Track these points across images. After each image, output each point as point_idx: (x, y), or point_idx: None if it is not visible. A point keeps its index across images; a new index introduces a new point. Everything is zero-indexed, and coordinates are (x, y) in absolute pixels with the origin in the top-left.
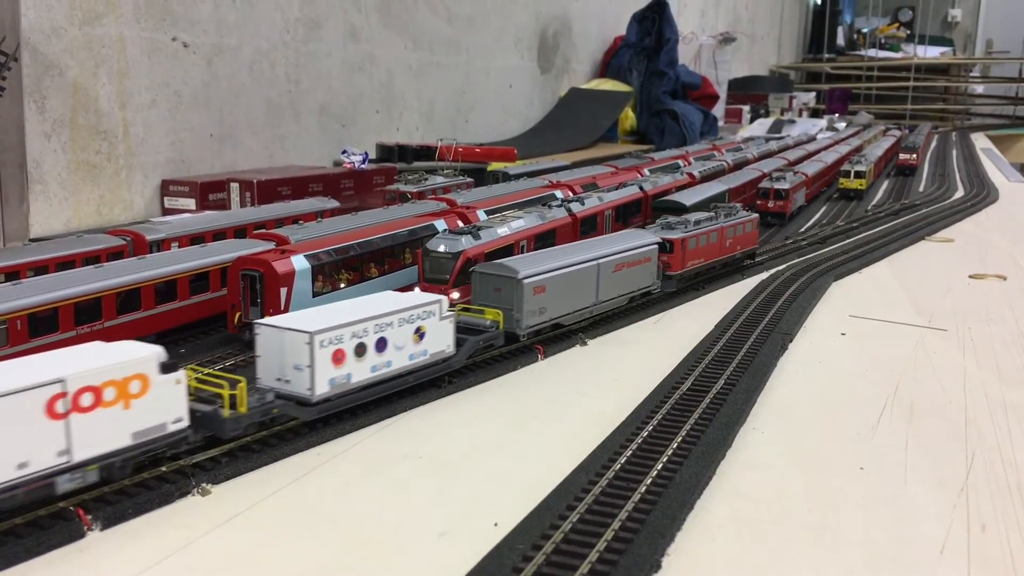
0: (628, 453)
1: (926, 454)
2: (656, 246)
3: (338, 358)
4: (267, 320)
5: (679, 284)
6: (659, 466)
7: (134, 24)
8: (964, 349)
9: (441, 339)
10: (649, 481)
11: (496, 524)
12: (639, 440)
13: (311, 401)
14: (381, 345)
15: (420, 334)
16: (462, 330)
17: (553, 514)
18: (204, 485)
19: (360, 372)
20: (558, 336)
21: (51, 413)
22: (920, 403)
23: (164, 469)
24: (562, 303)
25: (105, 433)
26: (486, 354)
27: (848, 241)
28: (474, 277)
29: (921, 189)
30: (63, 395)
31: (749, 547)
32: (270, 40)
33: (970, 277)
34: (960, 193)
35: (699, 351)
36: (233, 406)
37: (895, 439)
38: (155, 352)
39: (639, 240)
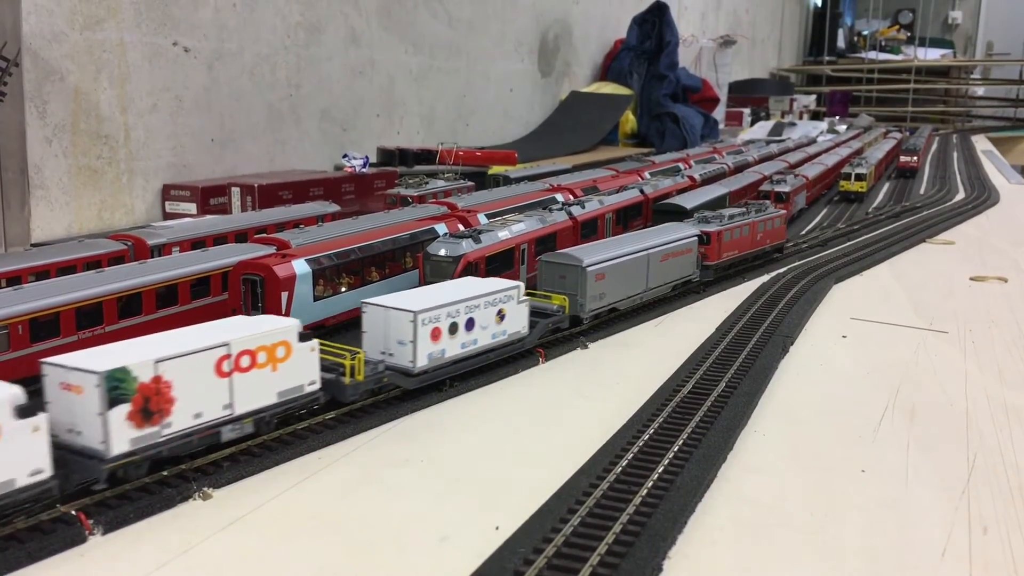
0: (629, 456)
1: (927, 457)
2: (696, 238)
3: (435, 335)
4: (374, 300)
5: (715, 274)
6: (660, 469)
7: (135, 29)
8: (965, 351)
9: (518, 321)
10: (650, 484)
11: (497, 528)
12: (640, 443)
13: (413, 372)
14: (470, 324)
15: (501, 316)
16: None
17: (554, 517)
18: (205, 489)
19: (452, 348)
20: (559, 339)
21: (219, 372)
22: (921, 406)
23: (165, 473)
24: (619, 289)
25: (258, 391)
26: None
27: (849, 244)
28: (540, 265)
29: (922, 191)
30: (228, 356)
31: (750, 550)
32: (271, 45)
33: (971, 279)
34: (961, 195)
35: (700, 354)
36: (352, 375)
37: (896, 442)
38: (296, 323)
39: (681, 233)
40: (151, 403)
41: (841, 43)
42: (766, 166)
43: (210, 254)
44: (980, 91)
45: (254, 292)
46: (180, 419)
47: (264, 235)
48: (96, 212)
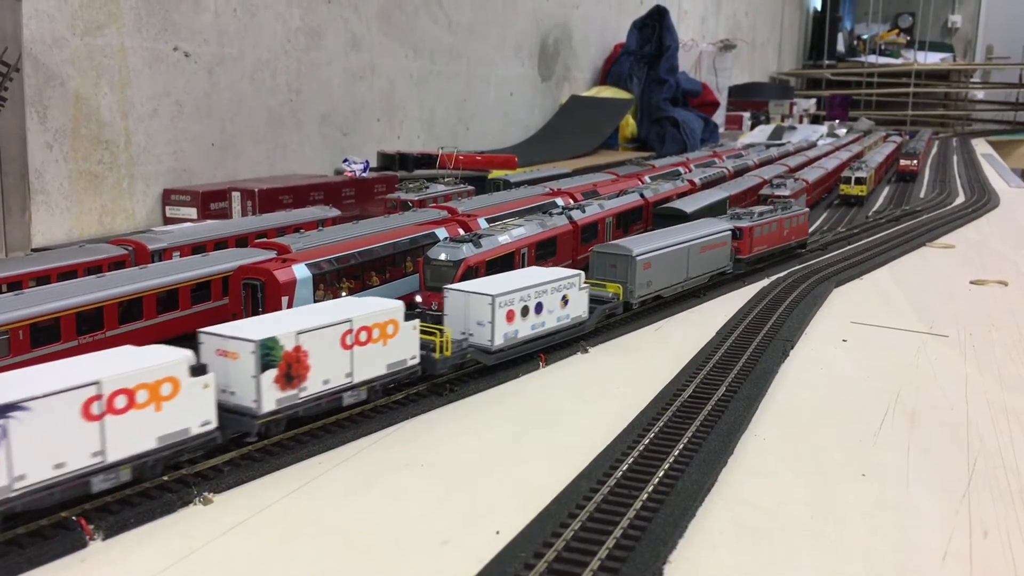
0: (630, 460)
1: (928, 460)
2: (729, 233)
3: (510, 317)
4: (455, 286)
5: (747, 266)
6: (661, 473)
7: (135, 34)
8: (965, 355)
9: (579, 306)
10: (651, 488)
11: (498, 532)
12: (641, 447)
13: (491, 350)
14: (539, 308)
15: (565, 301)
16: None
17: (555, 521)
18: (206, 494)
19: (524, 329)
20: (559, 344)
21: (344, 345)
22: (922, 409)
23: (166, 478)
24: (663, 278)
25: (372, 362)
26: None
27: (849, 247)
28: (592, 255)
29: (922, 195)
30: (350, 331)
31: (751, 554)
32: (271, 49)
33: (971, 283)
34: (961, 199)
35: (700, 358)
36: (441, 351)
37: (897, 445)
38: (398, 305)
39: (716, 227)
40: (292, 369)
41: (841, 47)
42: (766, 170)
43: (211, 259)
44: (980, 95)
45: (254, 296)
46: (313, 384)
47: (264, 239)
48: (97, 217)
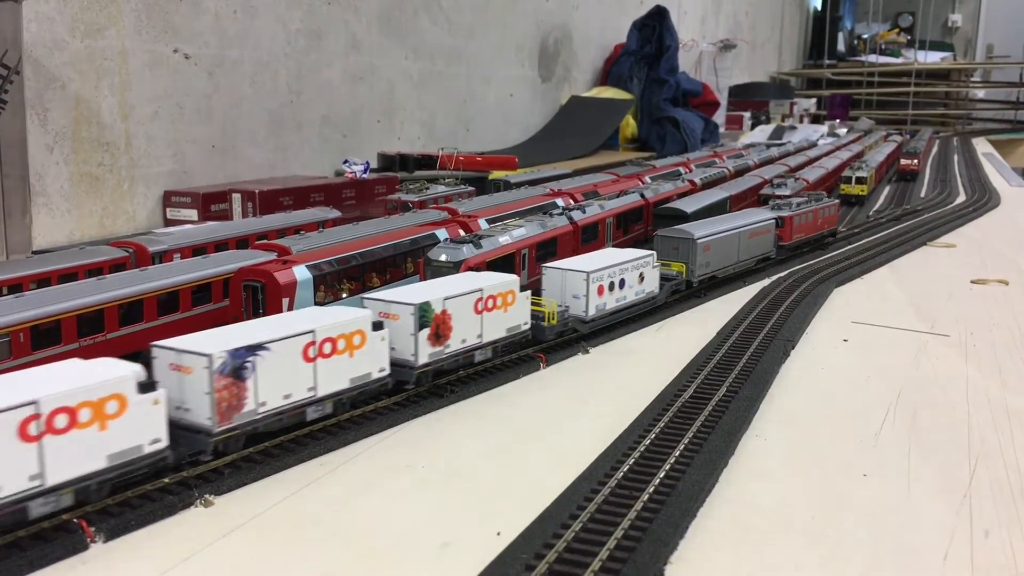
0: (630, 461)
1: (929, 460)
2: (774, 221)
3: (600, 291)
4: (551, 264)
5: (788, 252)
6: (661, 474)
7: (135, 37)
8: (967, 355)
9: (653, 282)
10: (652, 489)
11: (499, 533)
12: (641, 448)
13: (586, 320)
14: (622, 284)
15: (641, 277)
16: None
17: (556, 523)
18: (207, 496)
19: (610, 302)
20: (560, 344)
21: (476, 310)
22: (923, 409)
23: (167, 481)
24: (719, 260)
25: (495, 327)
26: (488, 361)
27: (849, 247)
28: (656, 239)
29: (922, 194)
30: (481, 299)
31: (752, 555)
32: (271, 51)
33: (972, 282)
34: (962, 198)
35: (701, 358)
36: (549, 320)
37: (898, 445)
38: (516, 279)
39: (761, 216)
40: (440, 328)
41: (841, 47)
42: (767, 170)
43: (211, 261)
44: (980, 94)
45: (255, 298)
46: (454, 343)
47: (265, 241)
48: (97, 219)
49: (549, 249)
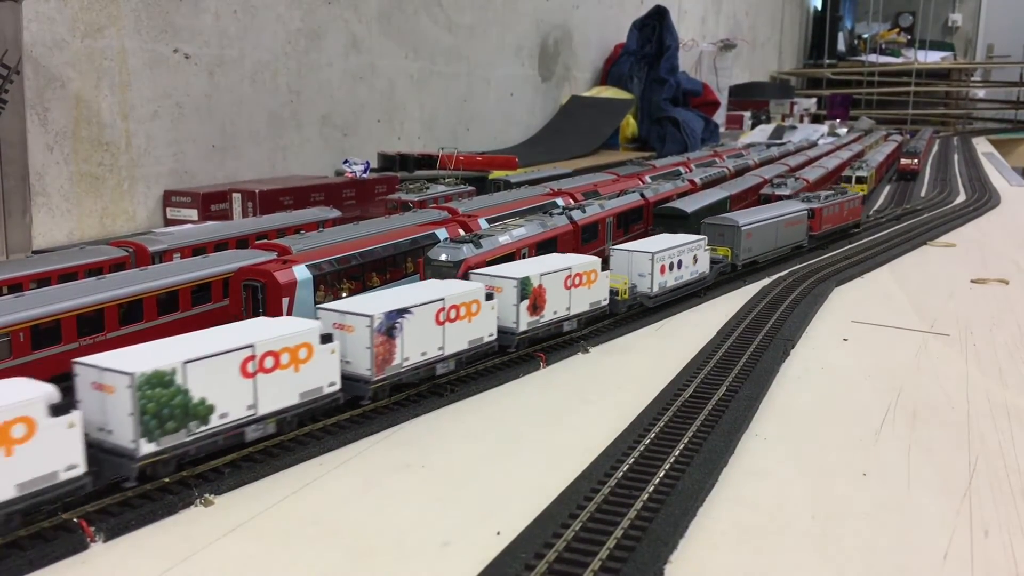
0: (631, 461)
1: (929, 460)
2: (806, 212)
3: (662, 270)
4: (619, 246)
5: (817, 242)
6: (661, 473)
7: (135, 36)
8: (967, 354)
9: (704, 263)
10: (652, 488)
11: (499, 533)
12: (641, 447)
13: (650, 296)
14: (680, 264)
15: (695, 259)
16: None
17: (556, 522)
18: (207, 496)
19: (670, 280)
20: (560, 344)
21: (566, 286)
22: (923, 408)
23: (167, 480)
24: (759, 246)
25: (581, 301)
26: (488, 362)
27: (849, 246)
28: (703, 226)
29: (923, 194)
30: (571, 275)
31: (752, 554)
32: (271, 51)
33: (972, 282)
34: (962, 198)
35: (701, 358)
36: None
37: (898, 445)
38: (596, 260)
39: (796, 207)
40: (538, 301)
41: (841, 46)
42: (767, 169)
43: (211, 260)
44: (981, 93)
45: (255, 298)
46: (548, 314)
47: (265, 241)
48: (98, 219)
49: (549, 249)
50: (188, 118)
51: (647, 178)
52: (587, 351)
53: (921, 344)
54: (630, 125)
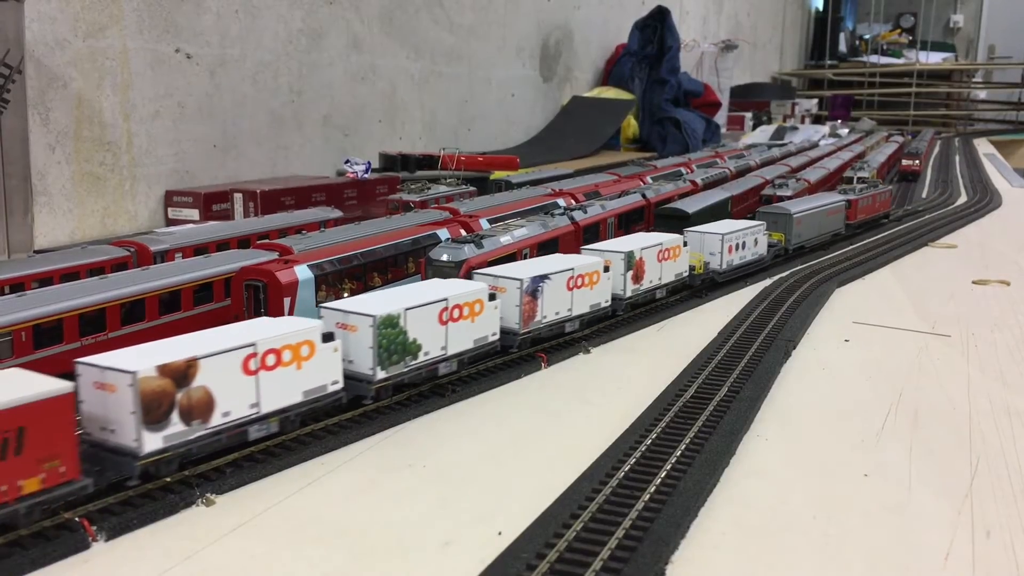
0: (632, 461)
1: (930, 461)
2: (845, 203)
3: (730, 250)
4: (694, 228)
5: (854, 230)
6: (663, 474)
7: (137, 36)
8: (968, 355)
9: (763, 246)
10: (653, 489)
11: (500, 533)
12: (643, 448)
13: (720, 272)
14: (743, 246)
15: (756, 242)
16: None
17: (557, 522)
18: (208, 495)
19: (736, 259)
20: (561, 344)
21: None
22: (924, 409)
23: (169, 480)
24: (807, 232)
25: (668, 274)
26: (488, 362)
27: (851, 247)
28: (758, 214)
29: (924, 195)
30: (662, 250)
31: (753, 554)
32: (273, 51)
33: (973, 283)
34: (963, 199)
35: (702, 358)
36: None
37: (899, 446)
38: (680, 238)
39: (835, 199)
40: (638, 271)
41: (843, 47)
42: (768, 170)
43: (213, 260)
44: (982, 94)
45: (257, 298)
46: (645, 284)
47: (267, 241)
48: (99, 219)
49: (550, 249)
50: (190, 118)
51: (648, 179)
52: (588, 351)
53: (922, 345)
54: (631, 126)
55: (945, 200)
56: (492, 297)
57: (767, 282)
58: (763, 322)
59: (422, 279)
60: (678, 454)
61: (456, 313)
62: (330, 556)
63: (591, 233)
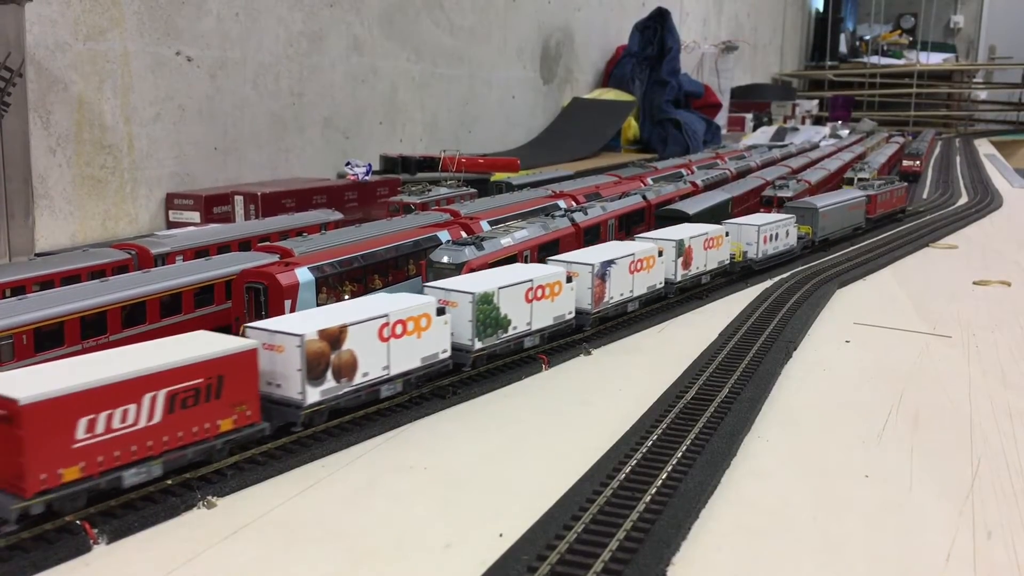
0: (633, 462)
1: (931, 461)
2: (865, 198)
3: (765, 239)
4: (732, 220)
5: (874, 224)
6: (664, 475)
7: (138, 39)
8: (969, 356)
9: (793, 238)
10: (654, 491)
11: (501, 535)
12: (644, 449)
13: (757, 260)
14: (776, 236)
15: (787, 233)
16: None
17: (558, 524)
18: (209, 498)
19: (770, 249)
20: (562, 346)
21: (705, 248)
22: (925, 410)
23: (169, 482)
24: (832, 225)
25: (711, 261)
26: (489, 364)
27: (851, 248)
28: (785, 209)
29: (925, 196)
30: (713, 238)
31: (754, 556)
32: (273, 53)
33: (974, 283)
34: (964, 199)
35: (703, 360)
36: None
37: (900, 446)
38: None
39: (856, 194)
40: (687, 258)
41: (843, 48)
42: (769, 171)
43: (213, 263)
44: (983, 95)
45: (257, 300)
46: (693, 269)
47: (267, 243)
48: (100, 221)
49: (551, 251)
50: (190, 121)
51: (649, 180)
52: (589, 353)
53: (923, 346)
54: (632, 127)
55: (946, 201)
56: (569, 280)
57: (767, 283)
58: (764, 323)
59: (422, 281)
60: (679, 455)
61: (540, 292)
62: (331, 558)
63: (592, 235)
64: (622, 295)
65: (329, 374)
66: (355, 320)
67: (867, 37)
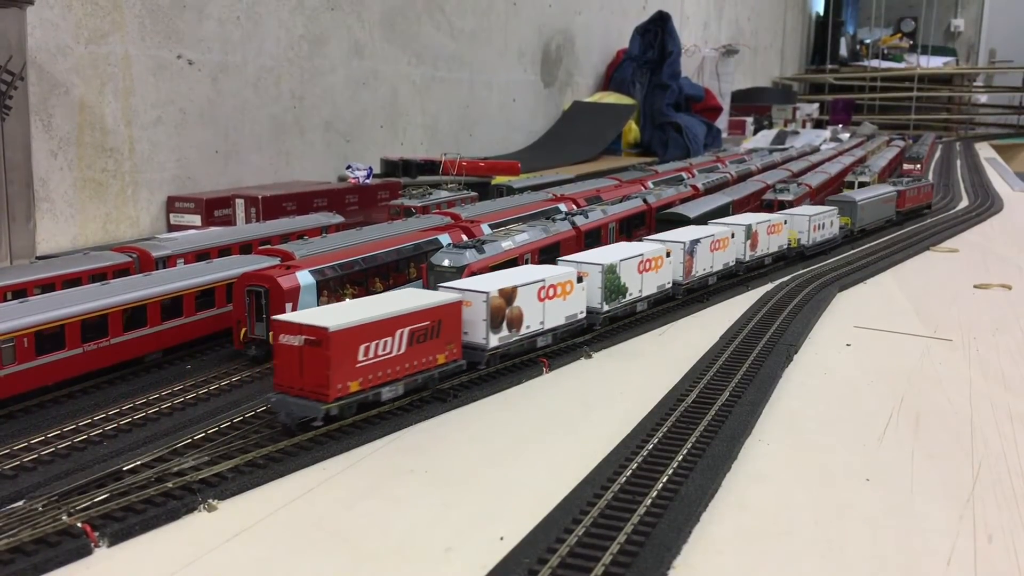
0: (633, 466)
1: (932, 465)
2: (896, 193)
3: (814, 229)
4: (783, 212)
5: (903, 217)
6: (664, 479)
7: (139, 42)
8: (970, 359)
9: (836, 228)
10: (655, 494)
11: (502, 538)
12: (644, 453)
13: (808, 246)
14: (822, 226)
15: (832, 224)
16: None
17: (559, 527)
18: (210, 501)
19: (817, 237)
20: (562, 350)
21: (770, 233)
22: (926, 413)
23: (170, 485)
24: (869, 217)
25: (772, 244)
26: (490, 367)
27: (852, 252)
28: (827, 200)
29: None
30: (774, 228)
31: (755, 559)
32: (274, 57)
33: (975, 287)
34: (964, 203)
35: (704, 363)
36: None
37: (901, 450)
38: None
39: (888, 188)
40: (754, 240)
41: (843, 51)
42: (769, 175)
43: (214, 266)
44: (983, 98)
45: (259, 303)
46: (758, 252)
47: (268, 246)
48: (101, 224)
49: (552, 254)
50: (191, 124)
51: (649, 183)
52: (590, 356)
53: (924, 349)
54: (632, 130)
55: (946, 204)
56: (668, 255)
57: (768, 286)
58: (765, 326)
59: (423, 285)
60: (680, 459)
61: (648, 265)
62: (332, 561)
63: (592, 238)
64: (704, 270)
65: (504, 324)
66: (523, 282)
67: (867, 40)
